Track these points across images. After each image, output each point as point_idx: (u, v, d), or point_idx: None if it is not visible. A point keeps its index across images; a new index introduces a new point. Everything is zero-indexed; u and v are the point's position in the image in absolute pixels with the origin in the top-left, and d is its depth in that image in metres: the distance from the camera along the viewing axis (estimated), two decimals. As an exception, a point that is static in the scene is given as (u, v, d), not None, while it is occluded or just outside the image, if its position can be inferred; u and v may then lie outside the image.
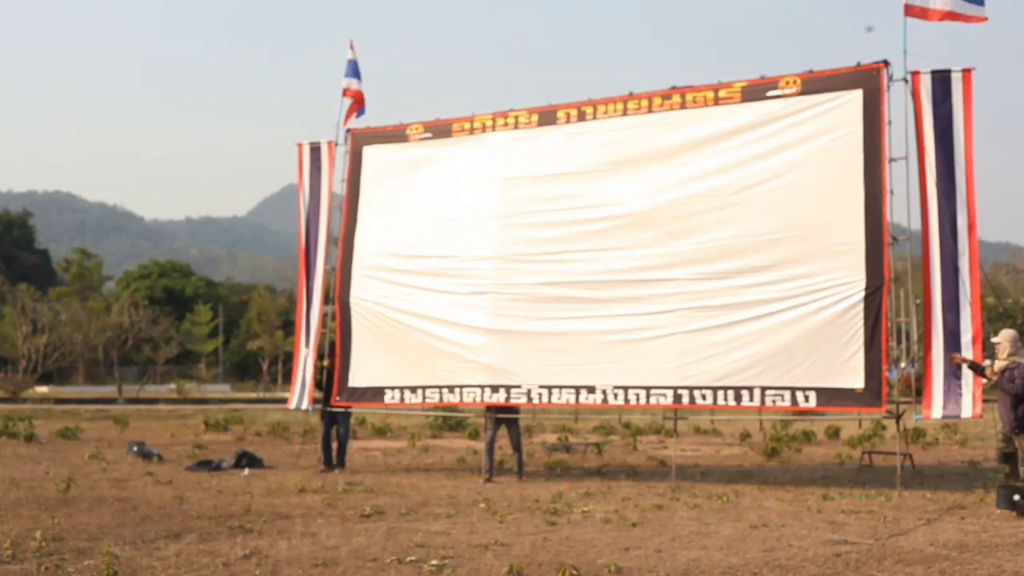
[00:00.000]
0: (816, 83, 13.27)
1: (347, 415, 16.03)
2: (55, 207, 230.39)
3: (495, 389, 14.58)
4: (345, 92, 16.93)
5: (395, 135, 16.22)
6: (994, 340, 12.10)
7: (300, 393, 16.33)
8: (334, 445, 15.83)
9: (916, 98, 12.80)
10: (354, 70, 17.04)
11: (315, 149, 16.88)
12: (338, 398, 15.71)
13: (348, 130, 16.66)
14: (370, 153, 16.40)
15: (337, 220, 16.56)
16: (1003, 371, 11.64)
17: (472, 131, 15.54)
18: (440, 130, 15.89)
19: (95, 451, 17.65)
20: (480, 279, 14.99)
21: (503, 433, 15.17)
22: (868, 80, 12.92)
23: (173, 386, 57.59)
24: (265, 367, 66.80)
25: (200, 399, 47.82)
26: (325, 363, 15.96)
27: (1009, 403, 11.66)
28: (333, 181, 16.64)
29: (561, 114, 14.90)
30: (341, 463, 15.69)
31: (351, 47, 17.05)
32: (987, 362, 12.18)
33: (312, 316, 16.43)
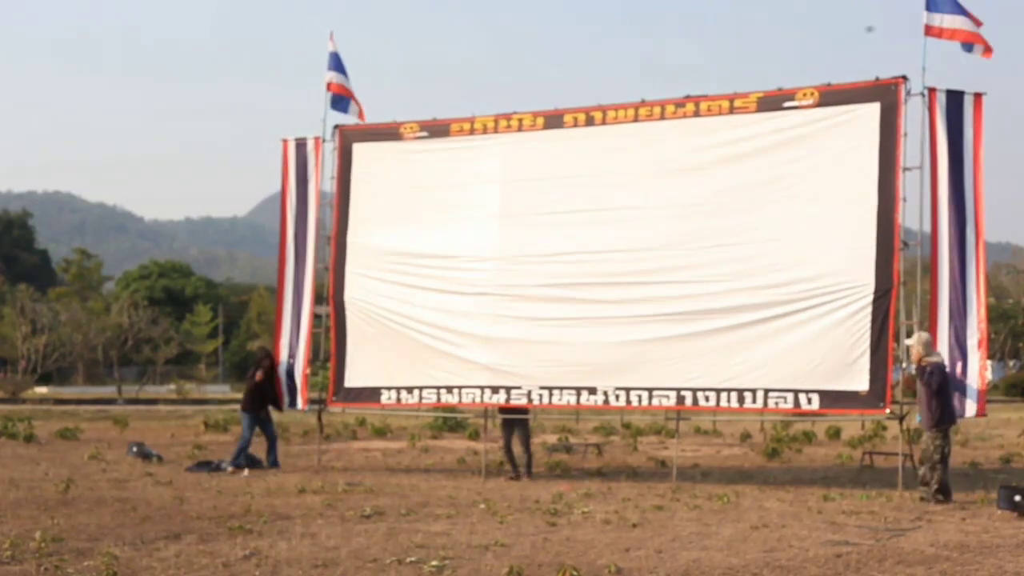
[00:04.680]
0: (834, 95, 13.34)
1: (270, 418, 16.34)
2: (55, 207, 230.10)
3: (495, 390, 14.57)
4: (329, 86, 16.55)
5: (388, 133, 15.94)
6: (907, 343, 12.70)
7: (290, 393, 16.34)
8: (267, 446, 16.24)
9: (931, 113, 13.03)
10: (336, 63, 16.63)
11: (301, 145, 16.46)
12: (335, 398, 15.87)
13: (336, 126, 16.21)
14: (361, 150, 16.03)
15: (326, 218, 16.31)
16: (920, 370, 12.13)
17: (472, 132, 15.34)
18: (437, 130, 15.65)
19: (95, 451, 17.63)
20: (481, 280, 14.92)
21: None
22: (886, 94, 13.04)
23: (173, 386, 57.39)
24: (265, 367, 66.59)
25: (200, 399, 47.71)
26: (259, 376, 15.99)
27: (926, 400, 12.10)
28: (321, 178, 16.35)
29: (568, 118, 14.75)
30: (274, 462, 15.97)
31: (331, 39, 16.62)
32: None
33: (303, 316, 16.32)
